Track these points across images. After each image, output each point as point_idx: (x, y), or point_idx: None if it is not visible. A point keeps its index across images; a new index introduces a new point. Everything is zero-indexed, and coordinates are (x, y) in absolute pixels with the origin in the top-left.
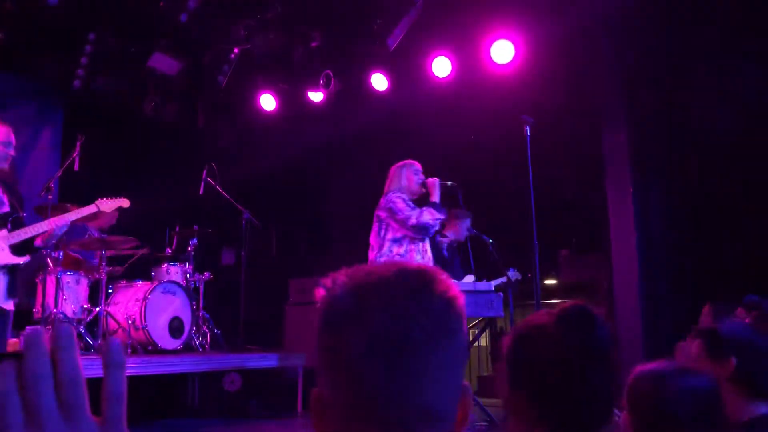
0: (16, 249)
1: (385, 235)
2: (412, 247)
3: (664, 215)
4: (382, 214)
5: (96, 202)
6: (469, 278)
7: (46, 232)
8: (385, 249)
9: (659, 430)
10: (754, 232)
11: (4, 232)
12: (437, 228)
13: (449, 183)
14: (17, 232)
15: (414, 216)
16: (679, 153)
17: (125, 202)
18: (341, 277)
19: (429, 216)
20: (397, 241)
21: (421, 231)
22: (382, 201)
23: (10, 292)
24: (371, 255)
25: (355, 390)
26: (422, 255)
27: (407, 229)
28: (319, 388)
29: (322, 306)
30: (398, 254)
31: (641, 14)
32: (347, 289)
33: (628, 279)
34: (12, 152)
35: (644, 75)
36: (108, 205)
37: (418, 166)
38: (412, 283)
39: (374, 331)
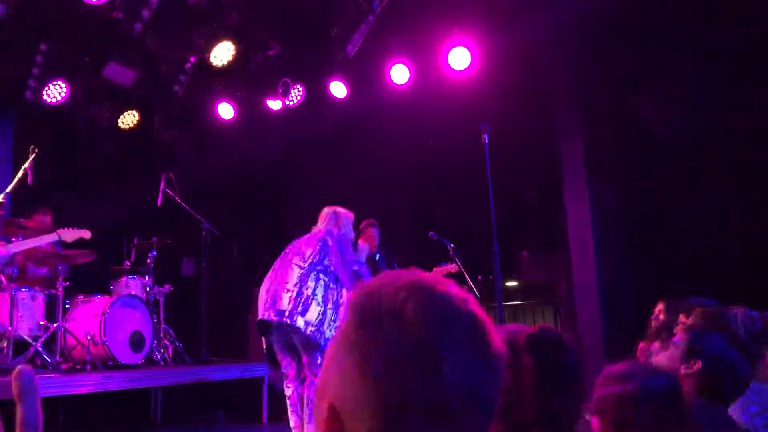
0: None
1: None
2: None
3: (620, 216)
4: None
5: (57, 231)
6: None
7: None
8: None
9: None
10: (706, 230)
11: None
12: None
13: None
14: None
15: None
16: (632, 156)
17: (87, 234)
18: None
19: None
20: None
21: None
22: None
23: None
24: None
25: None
26: None
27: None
28: (336, 397)
29: (360, 303)
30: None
31: (595, 23)
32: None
33: (587, 278)
34: None
35: (598, 82)
36: (70, 234)
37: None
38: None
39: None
